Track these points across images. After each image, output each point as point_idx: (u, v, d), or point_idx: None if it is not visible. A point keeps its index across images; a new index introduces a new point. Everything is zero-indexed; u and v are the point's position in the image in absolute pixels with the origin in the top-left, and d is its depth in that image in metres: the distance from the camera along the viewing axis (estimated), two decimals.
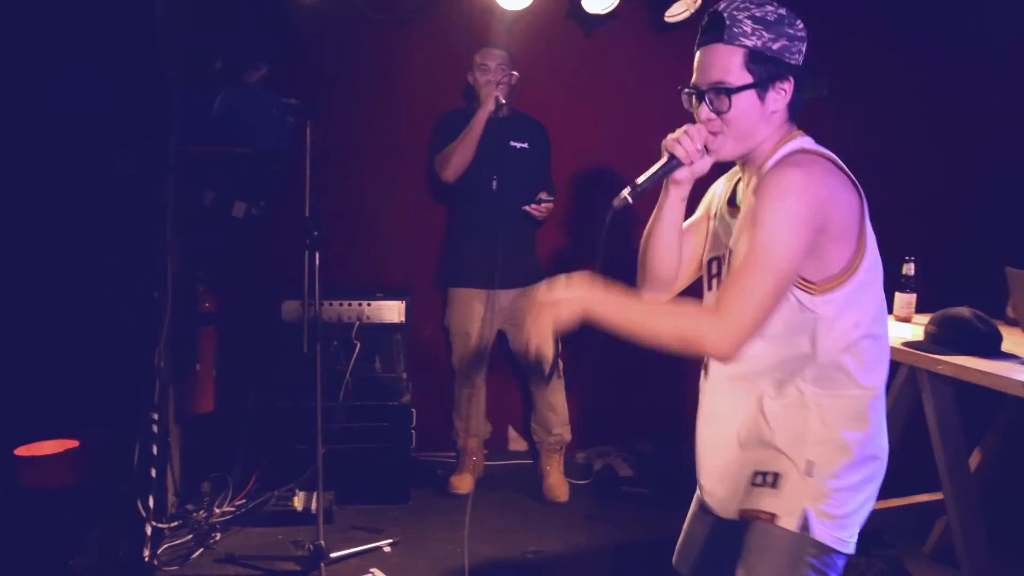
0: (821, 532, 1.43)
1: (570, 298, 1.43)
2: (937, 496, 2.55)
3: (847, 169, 1.49)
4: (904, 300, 2.87)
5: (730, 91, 1.46)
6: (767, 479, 1.52)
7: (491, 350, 3.56)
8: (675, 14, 3.56)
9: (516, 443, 3.99)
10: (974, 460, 2.83)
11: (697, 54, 1.53)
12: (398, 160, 3.80)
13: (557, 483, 3.55)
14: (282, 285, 3.30)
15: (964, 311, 2.49)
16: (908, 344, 2.54)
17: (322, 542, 2.82)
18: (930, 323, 2.56)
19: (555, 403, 3.53)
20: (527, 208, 3.32)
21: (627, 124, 3.73)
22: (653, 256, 1.72)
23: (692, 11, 3.55)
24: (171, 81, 2.99)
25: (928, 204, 3.95)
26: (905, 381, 2.65)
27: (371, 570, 2.96)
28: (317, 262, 2.76)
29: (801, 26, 1.52)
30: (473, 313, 3.46)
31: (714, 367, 1.65)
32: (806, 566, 1.45)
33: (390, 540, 3.15)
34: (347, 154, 3.72)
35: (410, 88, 3.75)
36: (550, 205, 3.38)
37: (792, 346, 1.52)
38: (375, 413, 3.40)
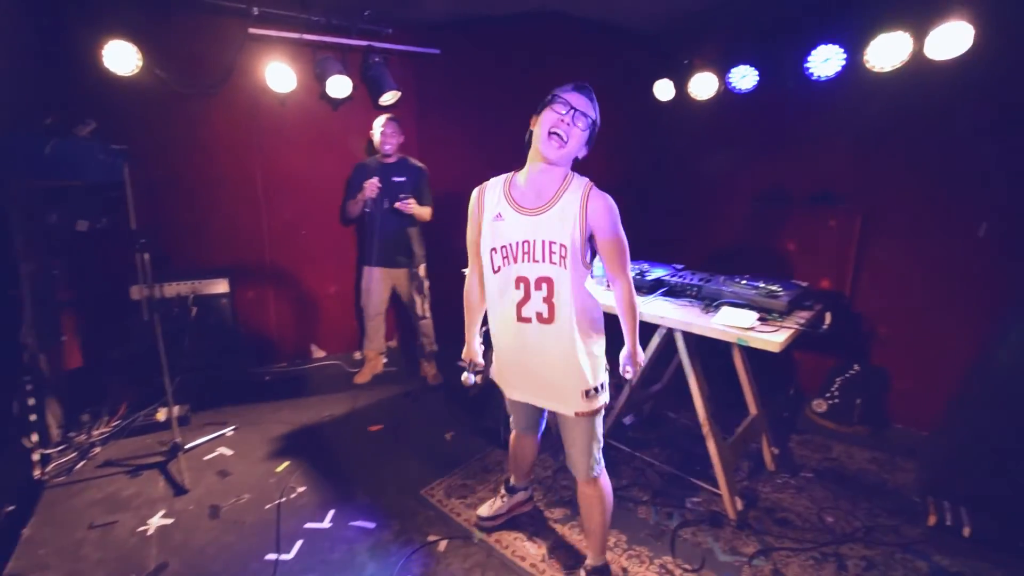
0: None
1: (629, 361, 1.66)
2: None
3: None
4: None
5: (585, 119, 1.46)
6: (592, 391, 1.58)
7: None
8: (385, 100, 3.45)
9: (317, 352, 3.76)
10: None
11: (574, 94, 1.47)
12: (215, 185, 3.29)
13: (434, 374, 3.42)
14: (130, 275, 2.72)
15: None
16: None
17: (179, 439, 2.49)
18: None
19: (428, 331, 3.37)
20: (397, 205, 3.11)
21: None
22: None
23: (395, 99, 3.47)
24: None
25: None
26: None
27: (218, 449, 2.69)
28: (148, 259, 2.34)
29: (592, 95, 1.52)
30: (372, 280, 3.26)
31: (559, 317, 1.51)
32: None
33: (233, 427, 2.86)
34: (175, 183, 3.15)
35: (211, 137, 3.23)
36: (410, 202, 3.11)
37: (589, 299, 1.55)
38: (215, 348, 3.04)
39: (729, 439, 2.29)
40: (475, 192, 1.60)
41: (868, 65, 2.65)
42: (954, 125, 2.67)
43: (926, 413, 2.82)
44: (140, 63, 2.78)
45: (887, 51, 2.56)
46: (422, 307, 3.31)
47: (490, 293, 1.58)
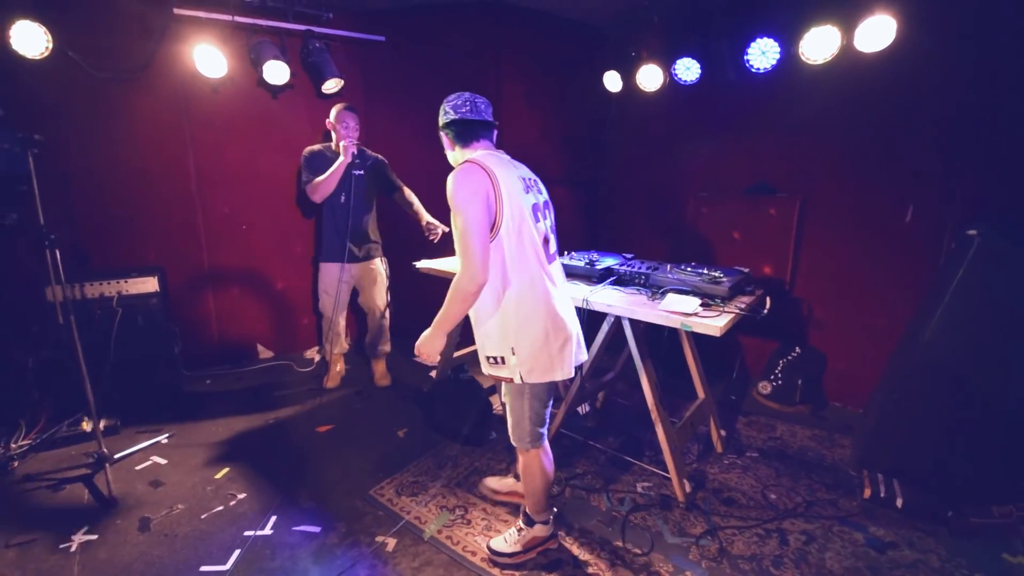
0: None
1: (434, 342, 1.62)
2: None
3: (488, 168, 1.52)
4: None
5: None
6: (489, 359, 1.68)
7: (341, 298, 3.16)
8: (328, 88, 3.30)
9: (264, 353, 3.59)
10: None
11: None
12: (141, 178, 3.06)
13: (382, 373, 3.31)
14: (45, 275, 2.50)
15: None
16: None
17: (105, 449, 2.30)
18: None
19: (385, 331, 3.27)
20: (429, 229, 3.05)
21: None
22: None
23: (339, 87, 3.32)
24: None
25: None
26: None
27: (151, 458, 2.51)
28: (59, 256, 2.14)
29: (447, 101, 1.65)
30: (334, 278, 3.09)
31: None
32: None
33: (167, 434, 2.68)
34: (95, 175, 2.91)
35: (135, 126, 2.99)
36: (436, 228, 3.04)
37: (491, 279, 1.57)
38: (146, 351, 2.82)
39: (677, 424, 2.33)
40: None
41: (803, 58, 2.74)
42: (882, 115, 2.81)
43: (860, 391, 2.97)
44: (50, 44, 2.55)
45: (818, 44, 2.65)
46: (384, 304, 3.20)
47: None
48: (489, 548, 1.90)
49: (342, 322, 3.19)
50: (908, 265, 2.80)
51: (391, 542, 1.98)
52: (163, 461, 2.49)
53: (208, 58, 2.91)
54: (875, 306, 2.93)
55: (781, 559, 1.91)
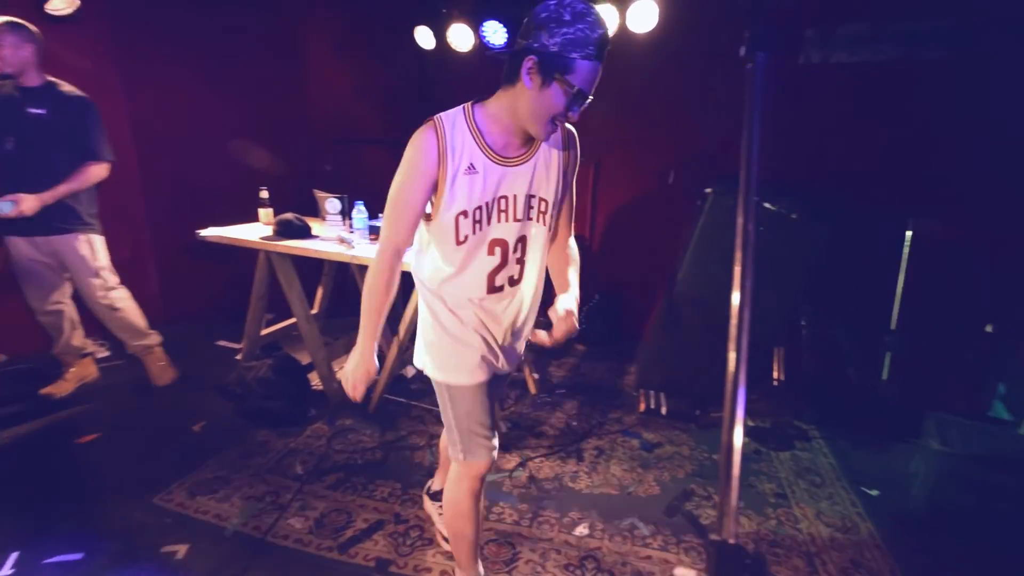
0: None
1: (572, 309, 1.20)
2: (293, 320, 2.57)
3: None
4: (265, 213, 2.70)
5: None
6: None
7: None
8: (56, 9, 2.53)
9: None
10: (317, 298, 2.95)
11: (598, 66, 1.03)
12: None
13: (159, 370, 2.71)
14: None
15: (289, 215, 2.49)
16: (263, 237, 2.44)
17: None
18: (275, 224, 2.48)
19: (122, 324, 2.56)
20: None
21: None
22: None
23: (73, 9, 2.57)
24: None
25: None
26: (264, 259, 2.54)
27: None
28: None
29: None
30: (18, 255, 2.30)
31: (527, 276, 1.29)
32: None
33: None
34: None
35: None
36: (19, 205, 2.15)
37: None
38: None
39: None
40: (427, 134, 1.10)
41: None
42: (654, 89, 3.23)
43: (645, 326, 3.51)
44: None
45: None
46: (103, 294, 2.43)
47: (442, 268, 1.20)
48: None
49: (66, 311, 2.45)
50: (677, 218, 3.34)
51: (182, 549, 1.72)
52: None
53: None
54: (656, 254, 3.45)
55: (577, 474, 2.19)
